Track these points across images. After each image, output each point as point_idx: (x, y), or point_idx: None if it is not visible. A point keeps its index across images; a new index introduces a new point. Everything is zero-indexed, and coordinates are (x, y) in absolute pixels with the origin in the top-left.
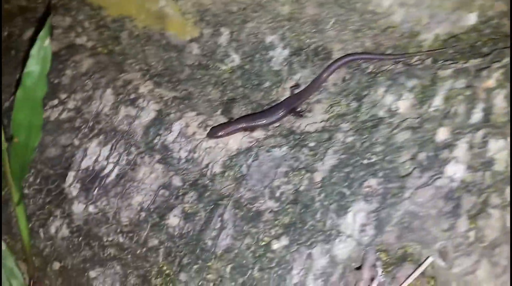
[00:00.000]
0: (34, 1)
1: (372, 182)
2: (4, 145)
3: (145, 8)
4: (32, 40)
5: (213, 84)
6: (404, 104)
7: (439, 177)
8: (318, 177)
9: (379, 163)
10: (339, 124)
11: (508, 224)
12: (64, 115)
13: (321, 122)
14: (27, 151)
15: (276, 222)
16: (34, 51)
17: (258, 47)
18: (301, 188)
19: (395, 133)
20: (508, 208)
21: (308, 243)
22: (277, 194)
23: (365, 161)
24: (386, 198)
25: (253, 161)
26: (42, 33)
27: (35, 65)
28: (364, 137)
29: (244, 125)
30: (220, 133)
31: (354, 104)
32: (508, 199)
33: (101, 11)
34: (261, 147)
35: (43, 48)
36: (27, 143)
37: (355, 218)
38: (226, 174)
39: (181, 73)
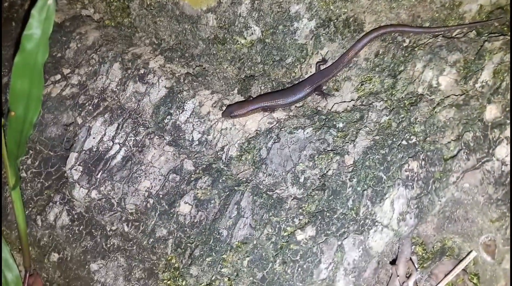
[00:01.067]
0: None
1: (413, 165)
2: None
3: None
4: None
5: (230, 60)
6: (446, 80)
7: (489, 160)
8: (349, 160)
9: (420, 144)
10: (372, 102)
11: None
12: (67, 91)
13: (350, 101)
14: (25, 126)
15: (301, 210)
16: (35, 10)
17: (282, 17)
18: (329, 173)
19: (437, 112)
20: None
21: (338, 233)
22: (301, 180)
23: (404, 142)
24: (428, 183)
25: (273, 143)
26: None
27: (36, 27)
28: (401, 116)
29: (263, 104)
30: (236, 113)
31: (388, 81)
32: None
33: None
34: (283, 129)
35: (45, 7)
36: (25, 117)
37: (393, 205)
38: (244, 158)
39: (195, 48)
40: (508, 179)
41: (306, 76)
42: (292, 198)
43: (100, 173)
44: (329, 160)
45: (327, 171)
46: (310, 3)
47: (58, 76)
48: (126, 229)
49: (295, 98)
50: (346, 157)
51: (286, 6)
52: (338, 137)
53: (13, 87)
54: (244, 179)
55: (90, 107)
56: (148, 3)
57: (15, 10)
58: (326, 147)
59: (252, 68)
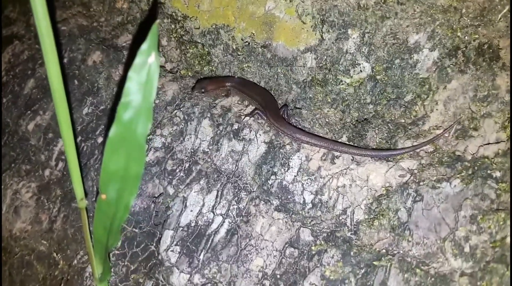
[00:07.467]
0: (97, 20)
1: None
2: (83, 203)
3: (247, 13)
4: (99, 66)
5: (331, 103)
6: None
7: None
8: None
9: None
10: None
11: None
12: (151, 157)
13: (498, 142)
14: (119, 210)
15: None
16: (132, 71)
17: (399, 50)
18: (508, 240)
19: None
20: None
21: None
22: (467, 249)
23: None
24: None
25: (414, 202)
26: (144, 46)
27: (134, 93)
28: None
29: (233, 85)
30: (209, 88)
31: None
32: None
33: (187, 22)
34: (422, 183)
35: (145, 66)
36: (119, 199)
37: None
38: (377, 222)
39: (288, 93)
40: None
41: None
42: (460, 273)
43: (203, 253)
44: (500, 223)
45: (502, 238)
46: (432, 31)
47: None
48: None
49: (260, 99)
50: None
51: (403, 37)
52: (501, 190)
53: (106, 165)
54: (384, 250)
55: (181, 174)
56: (234, 47)
57: (76, 66)
58: (490, 205)
59: (360, 109)
